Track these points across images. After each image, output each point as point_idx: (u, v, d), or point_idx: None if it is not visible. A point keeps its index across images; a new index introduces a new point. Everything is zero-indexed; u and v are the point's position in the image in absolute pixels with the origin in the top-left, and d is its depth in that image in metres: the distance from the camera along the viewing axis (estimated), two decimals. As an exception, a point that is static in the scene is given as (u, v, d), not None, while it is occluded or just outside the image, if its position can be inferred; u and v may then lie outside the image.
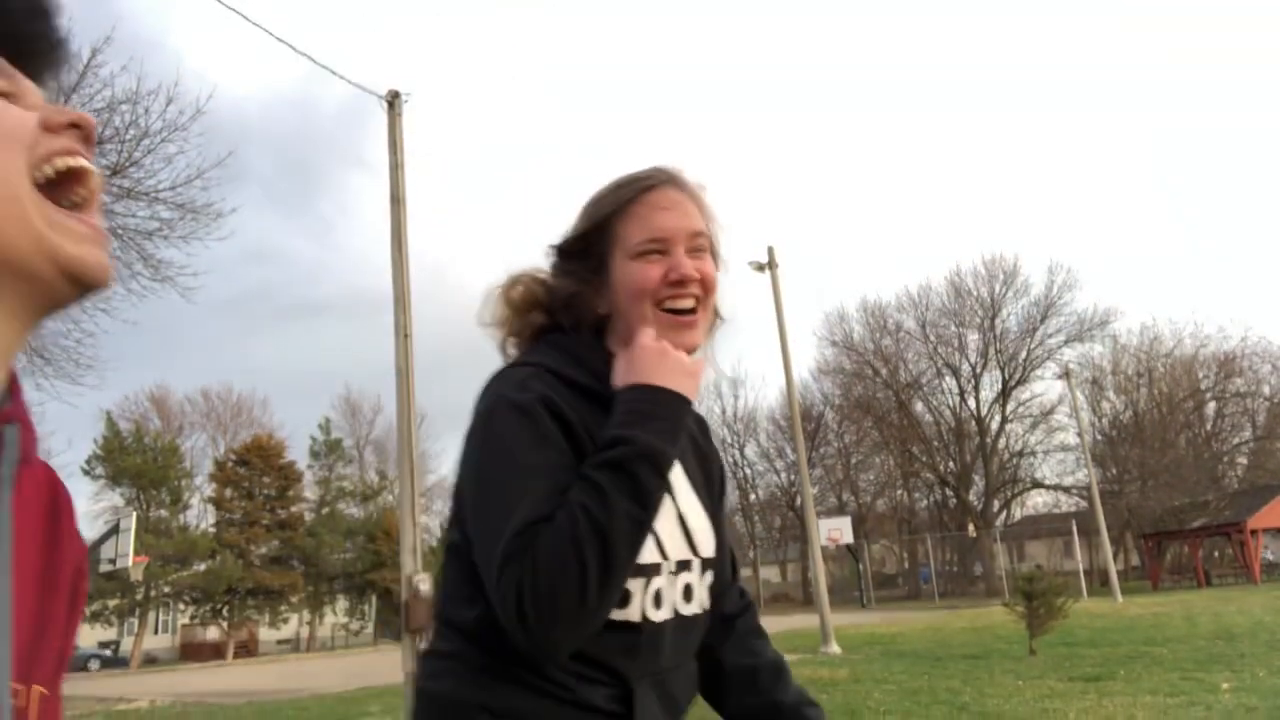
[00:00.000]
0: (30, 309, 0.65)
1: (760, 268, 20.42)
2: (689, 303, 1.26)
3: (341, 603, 49.59)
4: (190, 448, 48.86)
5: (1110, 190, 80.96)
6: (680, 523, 1.27)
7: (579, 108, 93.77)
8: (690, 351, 1.28)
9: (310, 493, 49.67)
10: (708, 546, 1.31)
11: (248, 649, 43.49)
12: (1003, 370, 48.49)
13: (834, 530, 25.43)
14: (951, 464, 49.59)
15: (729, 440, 56.58)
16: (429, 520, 48.15)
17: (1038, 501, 52.63)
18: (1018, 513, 52.11)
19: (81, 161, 0.67)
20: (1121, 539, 46.92)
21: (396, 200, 12.64)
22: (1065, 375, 38.84)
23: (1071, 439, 44.86)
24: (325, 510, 49.17)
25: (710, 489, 1.37)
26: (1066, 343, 47.71)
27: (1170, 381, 49.35)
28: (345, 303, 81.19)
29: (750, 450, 56.11)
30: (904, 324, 50.76)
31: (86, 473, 42.83)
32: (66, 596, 0.67)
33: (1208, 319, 71.99)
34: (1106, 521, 34.05)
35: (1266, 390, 48.41)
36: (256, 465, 46.18)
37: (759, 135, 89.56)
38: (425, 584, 11.52)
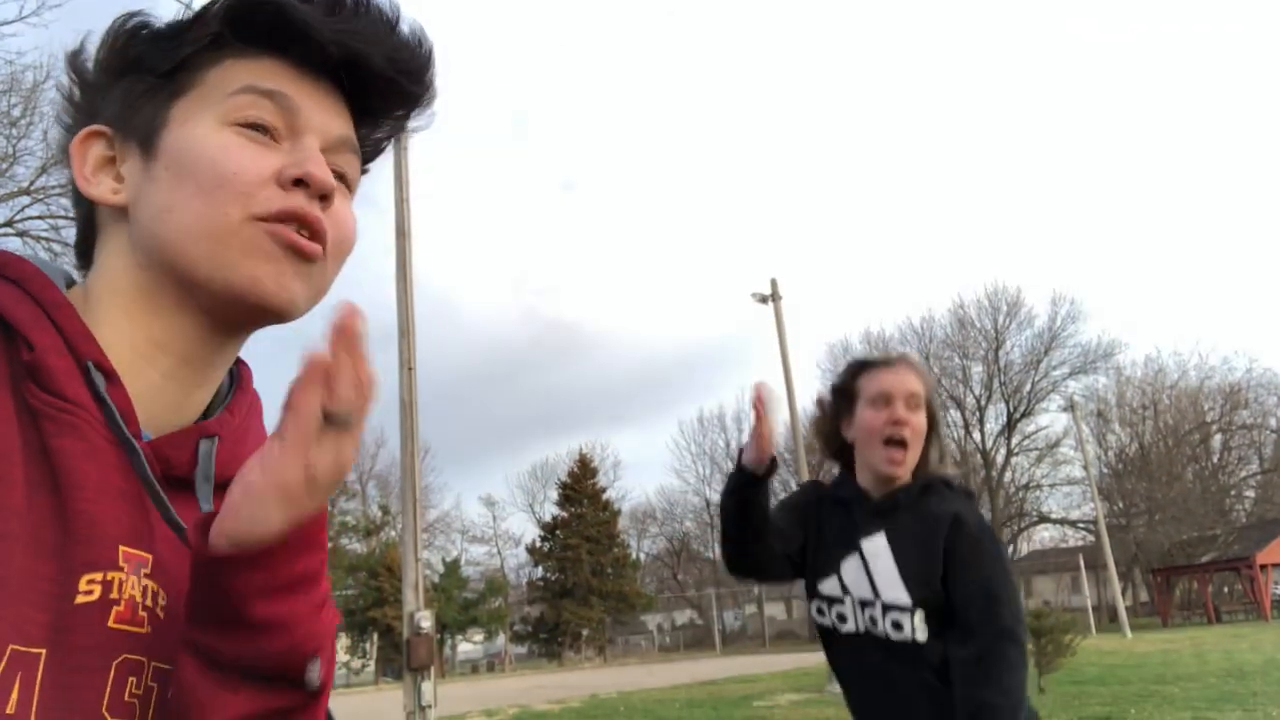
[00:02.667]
0: (225, 328, 0.71)
1: (763, 299, 20.45)
2: (900, 444, 1.91)
3: (343, 640, 49.19)
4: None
5: (1114, 219, 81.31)
6: (866, 574, 1.85)
7: (578, 137, 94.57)
8: (898, 476, 1.91)
9: (312, 528, 49.37)
10: (891, 595, 1.81)
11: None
12: (1007, 403, 48.36)
13: (839, 565, 25.23)
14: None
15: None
16: (431, 556, 48.03)
17: (1044, 536, 52.29)
18: (1025, 547, 51.71)
19: (294, 234, 0.69)
20: (1130, 574, 46.48)
21: (402, 233, 12.71)
22: (1070, 408, 38.75)
23: (1077, 472, 44.65)
24: (328, 545, 48.89)
25: (920, 565, 1.83)
26: (1071, 375, 47.63)
27: (1176, 414, 49.16)
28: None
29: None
30: (907, 355, 50.66)
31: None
32: None
33: (1213, 350, 71.90)
34: (1114, 556, 33.76)
35: (1273, 422, 48.21)
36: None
37: (763, 164, 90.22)
38: (427, 621, 11.42)
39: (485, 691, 24.92)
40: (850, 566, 1.88)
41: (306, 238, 0.69)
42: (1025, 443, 48.46)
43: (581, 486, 53.56)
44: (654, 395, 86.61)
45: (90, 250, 0.74)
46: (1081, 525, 47.10)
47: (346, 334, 0.57)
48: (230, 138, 0.69)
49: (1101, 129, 79.11)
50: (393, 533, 47.07)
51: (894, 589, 1.80)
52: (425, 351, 12.30)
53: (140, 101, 0.72)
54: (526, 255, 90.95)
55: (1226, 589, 44.31)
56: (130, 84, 0.72)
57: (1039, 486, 48.38)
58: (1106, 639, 25.75)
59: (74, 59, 0.74)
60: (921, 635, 1.77)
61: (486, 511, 67.90)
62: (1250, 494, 48.96)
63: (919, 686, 1.76)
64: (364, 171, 0.80)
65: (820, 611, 1.92)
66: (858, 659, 1.86)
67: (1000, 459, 48.30)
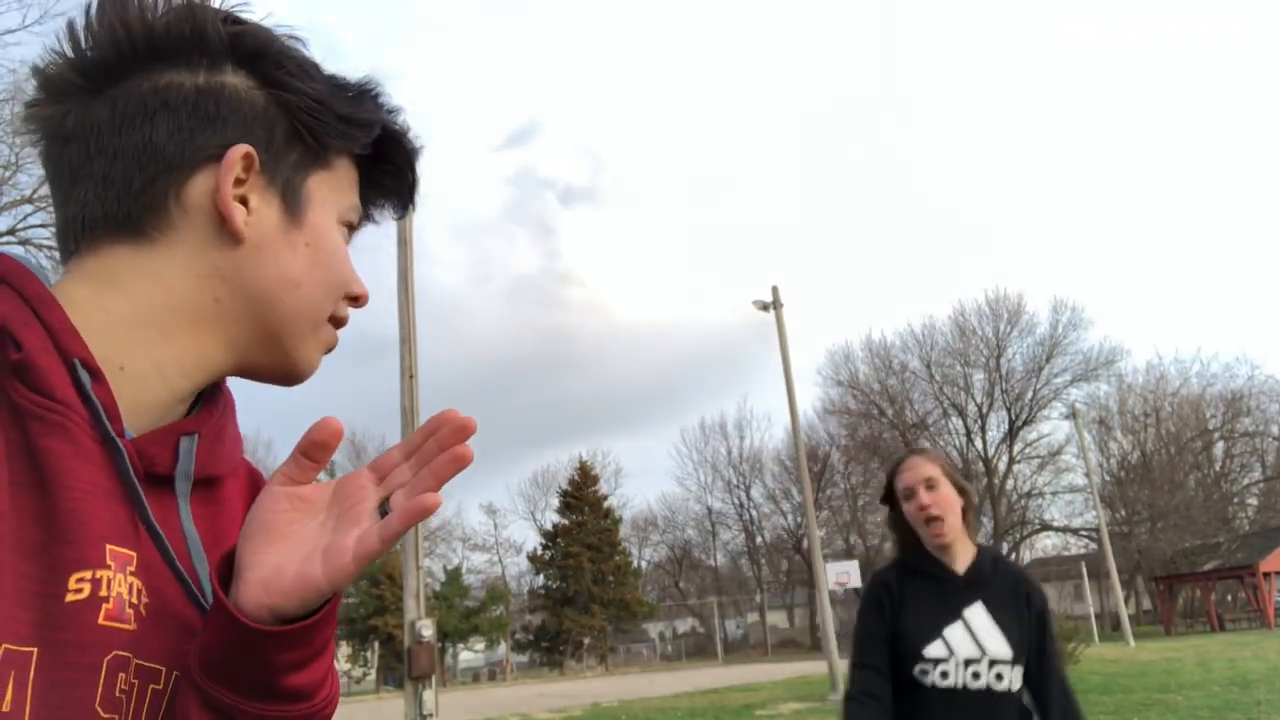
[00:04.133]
0: (243, 373, 0.75)
1: (764, 307, 20.46)
2: (936, 519, 2.36)
3: (344, 649, 49.10)
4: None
5: (1117, 225, 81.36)
6: (972, 636, 2.27)
7: (576, 145, 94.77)
8: (946, 543, 2.37)
9: (314, 536, 49.33)
10: (997, 652, 2.27)
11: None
12: (1009, 410, 48.32)
13: (841, 574, 25.08)
14: (958, 506, 49.19)
15: (734, 482, 56.30)
16: (432, 564, 47.95)
17: (1047, 544, 52.19)
18: (1027, 555, 51.61)
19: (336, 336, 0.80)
20: (1132, 582, 46.37)
21: (403, 242, 12.74)
22: (1072, 415, 38.71)
23: (1079, 480, 44.59)
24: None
25: (1016, 627, 2.32)
26: (1073, 382, 47.58)
27: (1178, 421, 49.10)
28: (348, 343, 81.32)
29: (756, 492, 55.81)
30: (909, 363, 50.67)
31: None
32: None
33: (1214, 357, 71.84)
34: (1116, 564, 33.70)
35: (1275, 430, 48.10)
36: (251, 499, 45.90)
37: (764, 170, 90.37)
38: (428, 629, 11.41)
39: (486, 700, 24.86)
40: (955, 631, 2.29)
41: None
42: (1027, 450, 48.42)
43: (582, 494, 53.50)
44: (655, 403, 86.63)
45: (93, 239, 0.69)
46: (1084, 533, 47.02)
47: (447, 444, 0.64)
48: (342, 240, 0.78)
49: (1104, 134, 79.24)
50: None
51: (1000, 647, 2.28)
52: (426, 360, 12.30)
53: (286, 149, 0.73)
54: (527, 265, 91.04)
55: (1230, 597, 44.19)
56: (280, 117, 0.72)
57: (1041, 494, 48.34)
58: (1109, 647, 25.68)
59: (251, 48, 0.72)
60: (1017, 684, 2.28)
61: (488, 519, 67.77)
62: (1253, 501, 48.86)
63: None
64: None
65: (924, 672, 2.26)
66: (953, 707, 2.24)
67: (1002, 466, 48.24)
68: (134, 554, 0.62)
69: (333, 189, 0.76)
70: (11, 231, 18.46)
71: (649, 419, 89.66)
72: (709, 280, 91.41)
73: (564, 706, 18.76)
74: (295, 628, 0.58)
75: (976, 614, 2.30)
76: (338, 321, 0.78)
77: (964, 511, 2.41)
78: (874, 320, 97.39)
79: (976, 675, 2.22)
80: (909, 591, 2.36)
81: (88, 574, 0.58)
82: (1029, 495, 48.42)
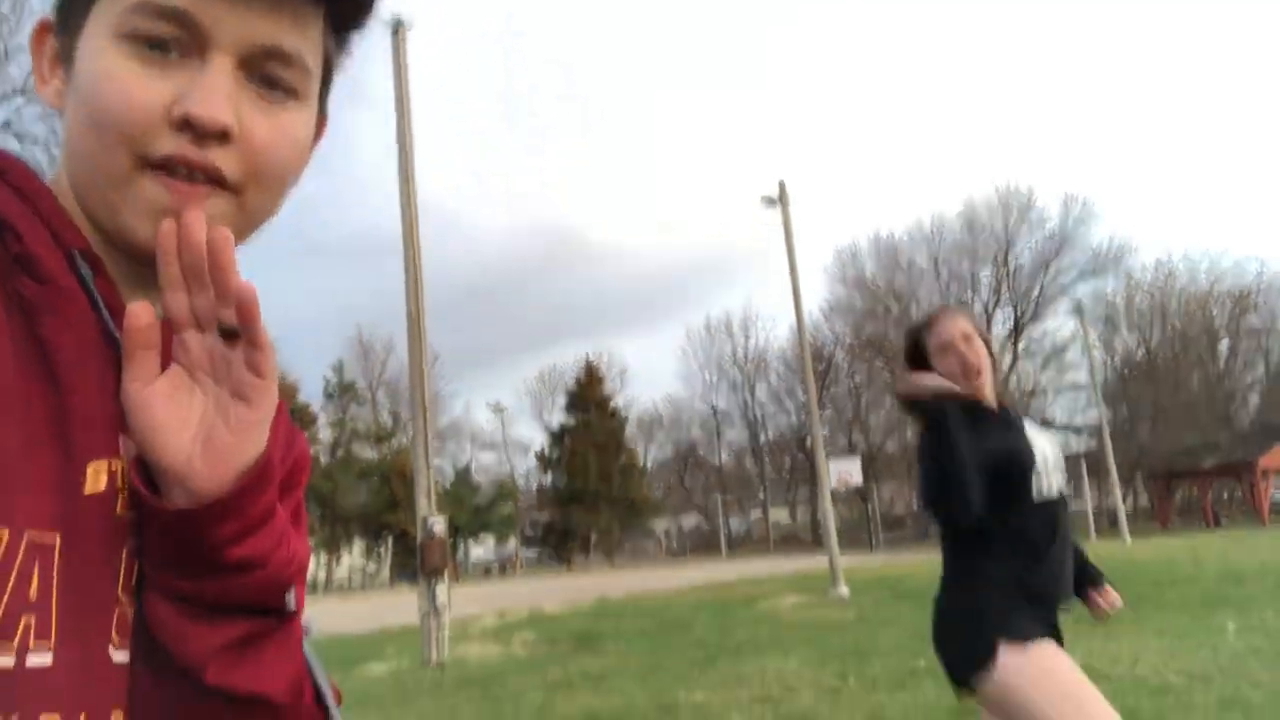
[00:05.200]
0: (127, 276, 0.65)
1: (771, 202, 20.20)
2: (978, 368, 2.42)
3: (358, 544, 50.43)
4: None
5: (1129, 120, 79.55)
6: (1041, 445, 2.38)
7: (580, 41, 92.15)
8: (980, 391, 2.42)
9: (324, 435, 50.17)
10: (1058, 459, 2.44)
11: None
12: (1015, 307, 48.26)
13: (844, 472, 25.60)
14: (962, 404, 49.64)
15: (739, 381, 56.70)
16: (443, 463, 48.82)
17: (1048, 441, 52.78)
18: (1027, 452, 52.27)
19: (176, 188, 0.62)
20: (1131, 479, 47.06)
21: (403, 146, 12.52)
22: (1078, 312, 38.64)
23: (1083, 378, 44.80)
24: (340, 452, 49.72)
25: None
26: (1080, 278, 47.41)
27: (1184, 318, 49.02)
28: (355, 244, 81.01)
29: (761, 391, 56.29)
30: (916, 260, 50.44)
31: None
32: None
33: (1224, 254, 71.08)
34: (1116, 461, 34.12)
35: (1281, 327, 48.08)
36: (288, 416, 46.52)
37: (771, 66, 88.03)
38: (440, 526, 11.66)
39: (497, 593, 25.65)
40: (1033, 436, 2.39)
41: (202, 180, 0.62)
42: (1031, 348, 48.54)
43: (589, 394, 53.99)
44: (661, 303, 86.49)
45: None
46: (1085, 431, 47.51)
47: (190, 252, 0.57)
48: (117, 61, 0.60)
49: (1116, 26, 76.68)
50: (404, 439, 47.69)
51: (1059, 454, 2.43)
52: (432, 261, 12.22)
53: None
54: (532, 165, 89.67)
55: (1227, 495, 44.92)
56: None
57: (1044, 392, 48.65)
58: (1105, 544, 26.25)
59: None
60: None
61: (495, 418, 68.61)
62: (1255, 399, 49.18)
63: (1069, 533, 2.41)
64: (332, 72, 0.72)
65: (1040, 489, 2.31)
66: (1055, 515, 2.32)
67: (1006, 364, 48.42)
68: None
69: (112, 1, 0.61)
70: (6, 125, 18.08)
71: (655, 320, 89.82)
72: (716, 179, 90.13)
73: (572, 600, 19.35)
74: (220, 501, 0.57)
75: (1031, 428, 2.41)
76: (169, 163, 0.61)
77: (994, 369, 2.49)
78: (883, 220, 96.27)
79: (1060, 482, 2.37)
80: (982, 421, 2.34)
81: (104, 464, 0.58)
82: (1032, 393, 48.74)
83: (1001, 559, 2.26)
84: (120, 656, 0.59)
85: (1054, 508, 2.32)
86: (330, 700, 0.68)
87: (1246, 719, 5.10)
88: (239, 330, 0.58)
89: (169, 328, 0.59)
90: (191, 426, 0.58)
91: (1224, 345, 49.43)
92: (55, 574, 0.55)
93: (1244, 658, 6.96)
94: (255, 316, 0.57)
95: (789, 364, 51.65)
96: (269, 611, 0.62)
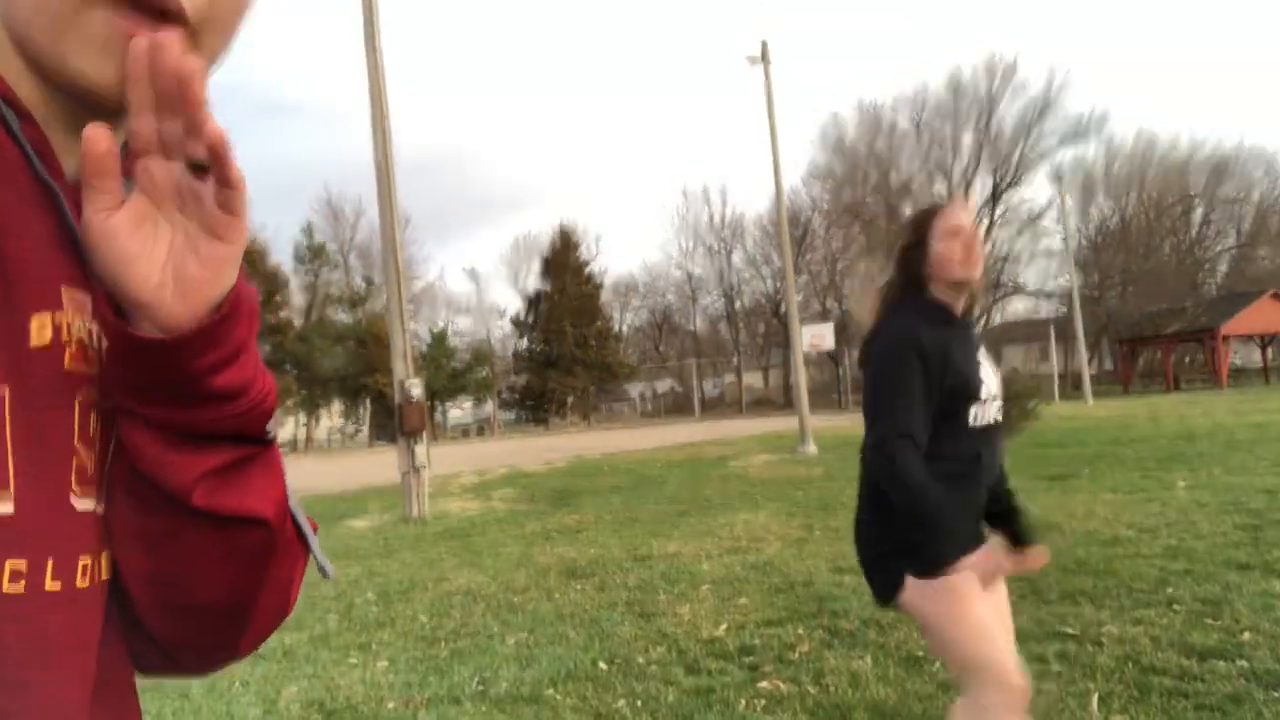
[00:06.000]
0: (68, 116, 0.62)
1: (754, 61, 19.64)
2: (975, 257, 2.39)
3: (336, 406, 50.85)
4: (172, 253, 48.32)
5: (1120, -17, 76.92)
6: (988, 372, 2.37)
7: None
8: (973, 282, 2.41)
9: (298, 298, 49.80)
10: (997, 387, 2.42)
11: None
12: (994, 173, 47.94)
13: (816, 336, 25.78)
14: (936, 270, 49.87)
15: (715, 248, 56.45)
16: (418, 327, 48.73)
17: (1018, 308, 53.43)
18: (998, 318, 53.04)
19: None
20: (1097, 344, 47.99)
21: (368, -5, 11.95)
22: (1057, 178, 38.49)
23: (1056, 244, 45.03)
24: (314, 316, 49.48)
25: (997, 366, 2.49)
26: (1061, 144, 47.01)
27: (1161, 185, 48.97)
28: (317, 101, 78.21)
29: (737, 257, 56.12)
30: (899, 124, 49.68)
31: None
32: None
33: (1205, 122, 70.37)
34: (1085, 327, 34.70)
35: (1256, 195, 48.19)
36: (241, 269, 45.90)
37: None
38: (417, 388, 11.77)
39: (475, 453, 26.14)
40: (984, 371, 2.38)
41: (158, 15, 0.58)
42: (1008, 214, 48.50)
43: (564, 260, 53.63)
44: (639, 170, 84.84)
45: None
46: (1056, 297, 48.06)
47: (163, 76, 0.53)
48: None
49: (1120, -125, 73.12)
50: (378, 304, 47.43)
51: (997, 383, 2.43)
52: (402, 125, 11.84)
53: None
54: (504, 21, 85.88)
55: (1189, 359, 46.03)
56: None
57: (1018, 258, 48.92)
58: (1069, 405, 26.99)
59: None
60: None
61: (471, 284, 68.23)
62: (1223, 268, 49.77)
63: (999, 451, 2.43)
64: None
65: (976, 416, 2.32)
66: (989, 444, 2.35)
67: (982, 231, 48.41)
68: (88, 297, 0.60)
69: None
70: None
71: (631, 185, 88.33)
72: (695, 42, 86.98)
73: (550, 459, 19.79)
74: (194, 332, 0.56)
75: (982, 354, 2.42)
76: None
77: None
78: (869, 91, 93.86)
79: (997, 409, 2.39)
80: (938, 338, 2.30)
81: (47, 316, 0.57)
82: (1006, 259, 48.99)
83: (949, 475, 2.25)
84: (84, 505, 0.59)
85: (986, 435, 2.34)
86: (307, 528, 0.69)
87: (1189, 565, 5.41)
88: (208, 165, 0.55)
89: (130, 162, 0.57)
90: (160, 258, 0.57)
91: (1198, 214, 49.62)
92: (8, 425, 0.54)
93: (1191, 511, 7.31)
94: (226, 152, 0.55)
95: (766, 230, 51.33)
96: (250, 440, 0.62)
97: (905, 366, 2.25)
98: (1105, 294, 45.68)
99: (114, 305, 0.57)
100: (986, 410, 2.35)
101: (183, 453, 0.59)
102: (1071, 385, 39.03)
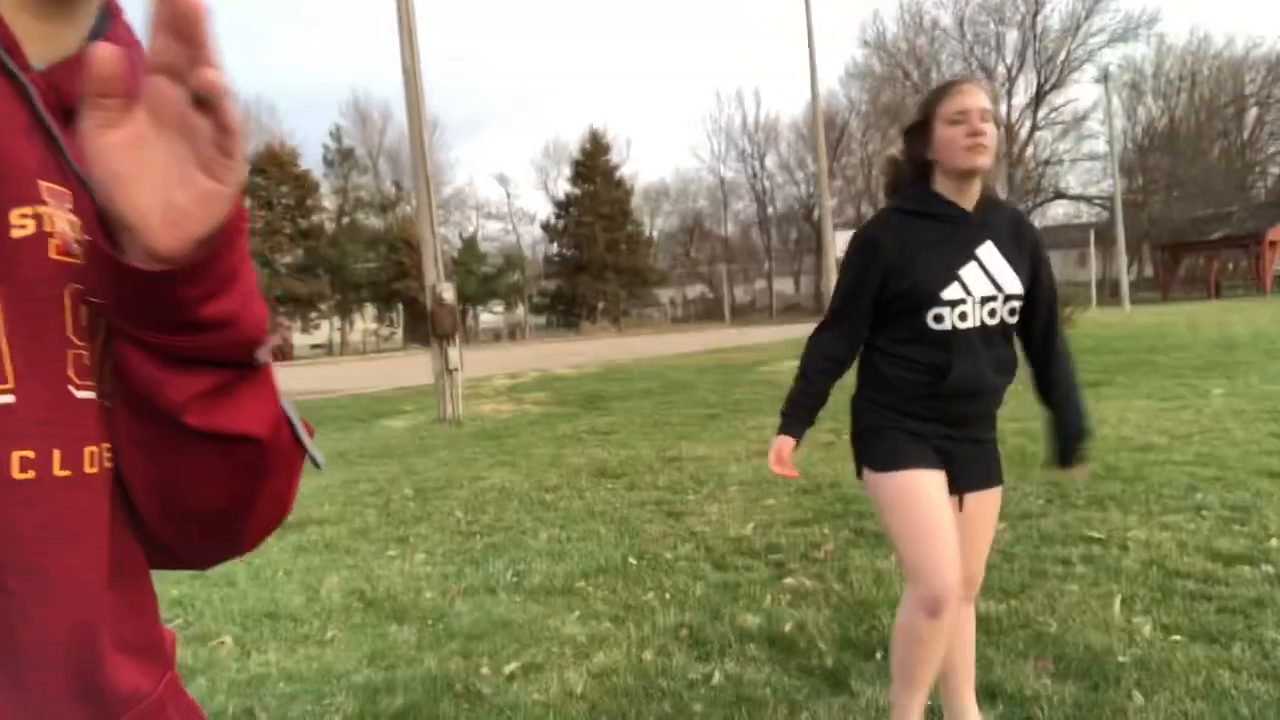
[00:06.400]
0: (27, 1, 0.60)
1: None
2: (984, 147, 2.17)
3: (370, 310, 51.34)
4: (203, 157, 48.31)
5: None
6: (985, 273, 2.23)
7: None
8: (978, 172, 2.20)
9: (328, 203, 49.80)
10: (1012, 288, 2.25)
11: (284, 353, 45.62)
12: (1039, 73, 46.35)
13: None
14: (975, 174, 48.73)
15: (748, 151, 55.45)
16: (447, 231, 48.67)
17: (1058, 212, 52.28)
18: (1037, 223, 51.84)
19: None
20: (1138, 250, 46.95)
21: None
22: (1104, 78, 37.04)
23: (1101, 147, 43.66)
24: (345, 220, 49.54)
25: (1022, 261, 2.29)
26: (1110, 43, 45.14)
27: (1214, 85, 47.09)
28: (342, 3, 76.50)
29: (770, 160, 55.13)
30: (941, 20, 47.89)
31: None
32: None
33: (1263, 19, 66.95)
34: (1126, 233, 33.91)
35: (1314, 96, 46.23)
36: (272, 174, 45.89)
37: None
38: (449, 292, 11.82)
39: (506, 356, 26.39)
40: (970, 272, 2.23)
41: None
42: (1052, 116, 47.00)
43: (594, 164, 52.98)
44: (670, 71, 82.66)
45: None
46: (1097, 201, 46.88)
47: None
48: None
49: None
50: (408, 208, 47.33)
51: (1012, 284, 2.26)
52: (427, 15, 11.59)
53: None
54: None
55: (1232, 265, 44.96)
56: None
57: (1060, 161, 47.60)
58: (1106, 312, 26.60)
59: None
60: (1016, 315, 2.30)
61: (500, 189, 67.71)
62: (1275, 170, 48.14)
63: (1003, 360, 2.30)
64: None
65: (939, 318, 2.21)
66: (970, 346, 2.23)
67: (1024, 134, 47.04)
68: (68, 190, 0.61)
69: None
70: None
71: (664, 89, 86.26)
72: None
73: (580, 364, 19.93)
74: (179, 265, 0.56)
75: (988, 252, 2.25)
76: None
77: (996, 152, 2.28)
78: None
79: (993, 313, 2.24)
80: (912, 240, 2.23)
81: (29, 210, 0.58)
82: (1047, 163, 47.71)
83: (895, 378, 2.27)
84: (84, 395, 0.59)
85: (966, 340, 2.22)
86: (305, 436, 0.70)
87: (1220, 472, 5.40)
88: (210, 101, 0.54)
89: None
90: (153, 183, 0.56)
91: (1251, 115, 47.74)
92: (1, 317, 0.55)
93: (1225, 419, 7.25)
94: (222, 97, 0.54)
95: (801, 133, 50.24)
96: (241, 365, 0.62)
97: (851, 261, 2.33)
98: (1149, 198, 44.45)
99: (103, 227, 0.57)
100: (966, 313, 2.21)
101: (174, 373, 0.59)
102: (1109, 293, 38.39)
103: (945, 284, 2.20)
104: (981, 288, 2.22)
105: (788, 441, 2.34)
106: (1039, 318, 2.36)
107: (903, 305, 2.24)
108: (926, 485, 2.21)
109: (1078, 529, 4.40)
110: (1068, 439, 2.36)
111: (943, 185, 2.26)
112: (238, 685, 3.18)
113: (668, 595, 3.89)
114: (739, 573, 4.13)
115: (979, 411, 2.31)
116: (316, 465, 0.72)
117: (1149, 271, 49.32)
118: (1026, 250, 2.31)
